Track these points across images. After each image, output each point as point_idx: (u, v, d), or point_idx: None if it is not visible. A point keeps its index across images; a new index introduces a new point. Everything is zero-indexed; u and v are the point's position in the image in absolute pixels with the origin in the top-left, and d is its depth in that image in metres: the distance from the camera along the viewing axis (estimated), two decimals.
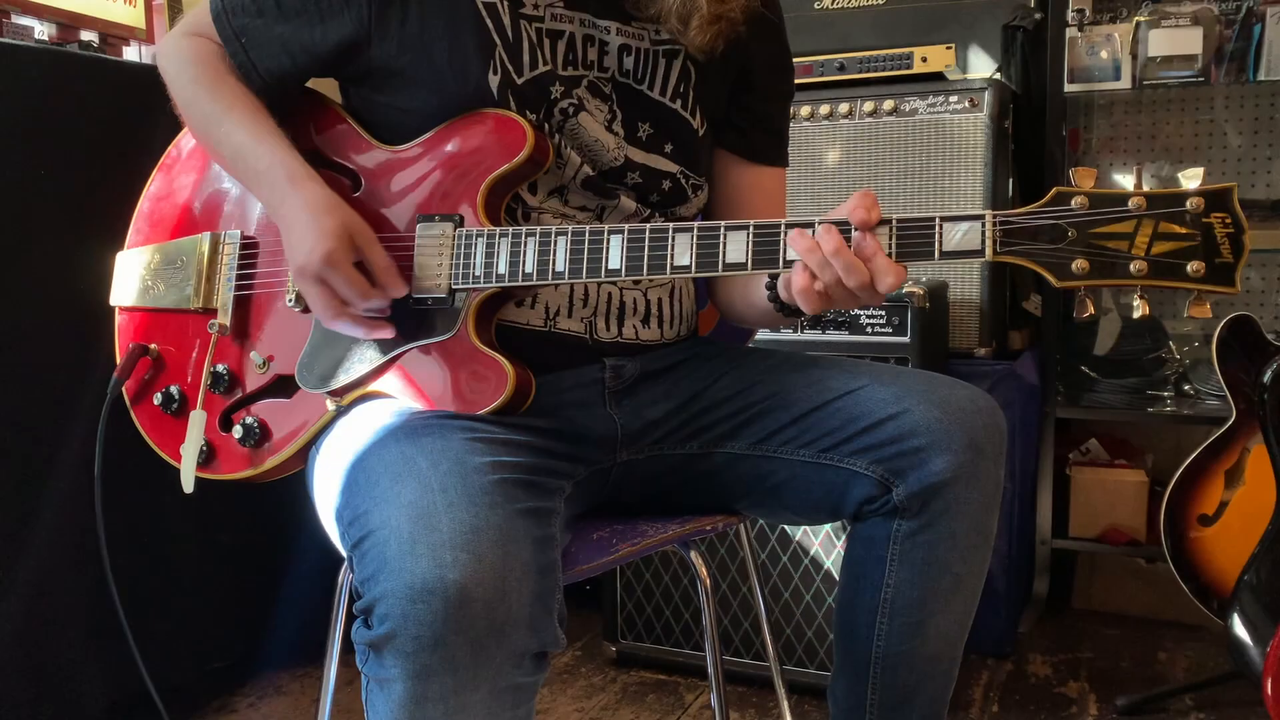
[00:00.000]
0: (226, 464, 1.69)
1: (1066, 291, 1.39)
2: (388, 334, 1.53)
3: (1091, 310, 1.36)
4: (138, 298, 1.81)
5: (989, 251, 1.33)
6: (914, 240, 1.36)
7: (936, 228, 1.35)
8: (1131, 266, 1.28)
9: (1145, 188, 1.30)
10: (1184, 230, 1.27)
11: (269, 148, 1.57)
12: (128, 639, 1.94)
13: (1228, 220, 1.27)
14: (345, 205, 1.54)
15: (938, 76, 2.94)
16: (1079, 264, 1.30)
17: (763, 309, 1.61)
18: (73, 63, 2.40)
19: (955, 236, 1.34)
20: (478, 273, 1.51)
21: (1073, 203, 1.31)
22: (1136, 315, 1.34)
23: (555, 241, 1.48)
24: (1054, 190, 1.32)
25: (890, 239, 1.36)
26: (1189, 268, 1.27)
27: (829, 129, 2.96)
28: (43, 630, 2.32)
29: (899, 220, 1.36)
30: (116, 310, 1.85)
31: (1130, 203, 1.29)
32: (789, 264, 1.41)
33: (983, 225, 1.33)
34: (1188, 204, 1.27)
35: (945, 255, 1.35)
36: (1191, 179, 1.29)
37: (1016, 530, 3.04)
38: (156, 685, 2.03)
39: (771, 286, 1.54)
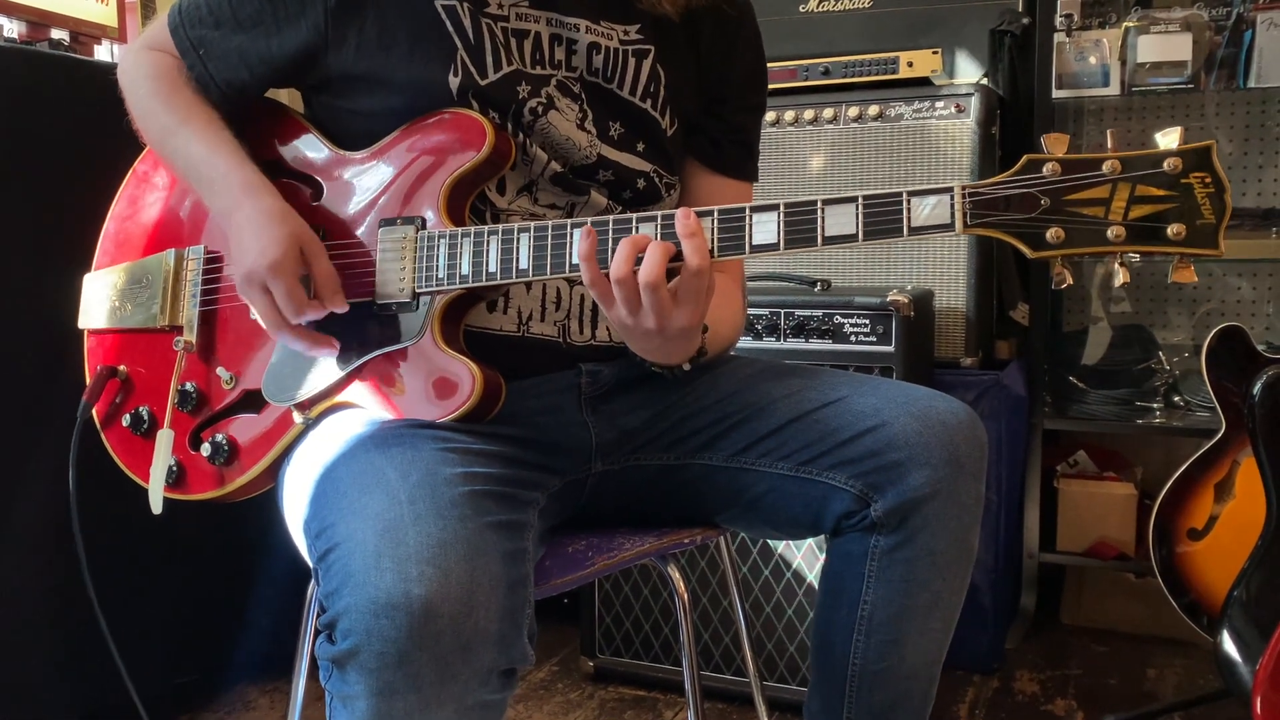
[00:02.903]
0: (196, 484, 1.69)
1: (1053, 293, 1.38)
2: (329, 351, 1.54)
3: (1069, 280, 1.34)
4: (105, 319, 1.81)
5: (959, 224, 1.31)
6: (882, 216, 1.34)
7: (904, 202, 1.33)
8: (1109, 232, 1.27)
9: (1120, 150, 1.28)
10: (1162, 192, 1.26)
11: (223, 157, 1.59)
12: (108, 652, 1.95)
13: (1208, 179, 1.25)
14: (297, 216, 1.55)
15: (924, 81, 2.96)
16: (1053, 233, 1.28)
17: None
18: (43, 62, 2.39)
19: (924, 211, 1.32)
20: (441, 275, 1.51)
21: (1044, 170, 1.29)
22: (1118, 283, 1.32)
23: (518, 239, 1.48)
24: (1025, 158, 1.30)
25: (857, 216, 1.35)
26: (1169, 230, 1.25)
27: (813, 134, 2.97)
28: (11, 649, 2.31)
29: (865, 197, 1.35)
30: (85, 334, 1.85)
31: (1104, 166, 1.27)
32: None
33: (951, 198, 1.31)
34: (1165, 165, 1.25)
35: (915, 231, 1.33)
36: (1168, 138, 1.27)
37: (1003, 544, 3.04)
38: (122, 699, 2.03)
39: None
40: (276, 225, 1.51)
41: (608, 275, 1.39)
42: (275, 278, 1.48)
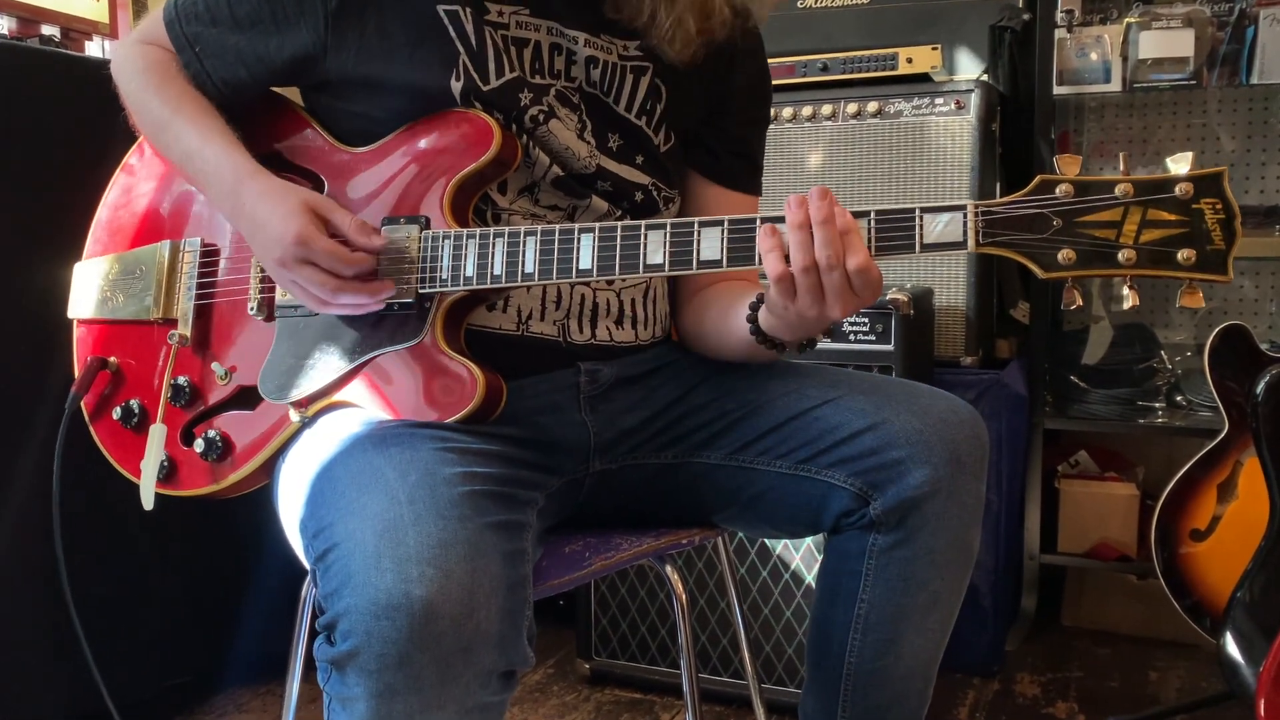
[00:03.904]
0: (188, 480, 1.69)
1: (1054, 289, 1.39)
2: (389, 291, 1.51)
3: (1079, 301, 1.35)
4: (96, 309, 1.81)
5: (971, 243, 1.33)
6: (894, 233, 1.36)
7: (916, 219, 1.35)
8: (1120, 255, 1.28)
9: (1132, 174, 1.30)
10: (1173, 217, 1.27)
11: (215, 148, 1.58)
12: (99, 652, 1.94)
13: (1218, 205, 1.27)
14: (295, 185, 1.55)
15: (923, 78, 2.96)
16: (1065, 254, 1.30)
17: (740, 339, 1.60)
18: (33, 58, 2.39)
19: (936, 228, 1.34)
20: (445, 276, 1.51)
21: (1057, 190, 1.31)
22: (1126, 305, 1.33)
23: (524, 242, 1.48)
24: (1038, 178, 1.32)
25: (869, 232, 1.36)
26: (1180, 255, 1.27)
27: (811, 131, 2.97)
28: (1, 646, 2.31)
29: (878, 212, 1.36)
30: (75, 323, 1.85)
31: (1117, 189, 1.29)
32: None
33: (964, 216, 1.33)
34: (1176, 189, 1.27)
35: (926, 248, 1.35)
36: (1180, 164, 1.28)
37: (1004, 545, 3.05)
38: (115, 701, 2.04)
39: (753, 318, 1.54)
40: (281, 201, 1.50)
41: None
42: (308, 246, 1.47)
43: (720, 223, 1.42)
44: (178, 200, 1.77)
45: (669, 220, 1.44)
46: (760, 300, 1.52)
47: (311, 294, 1.51)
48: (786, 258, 1.38)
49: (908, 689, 1.66)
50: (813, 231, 1.36)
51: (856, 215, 1.36)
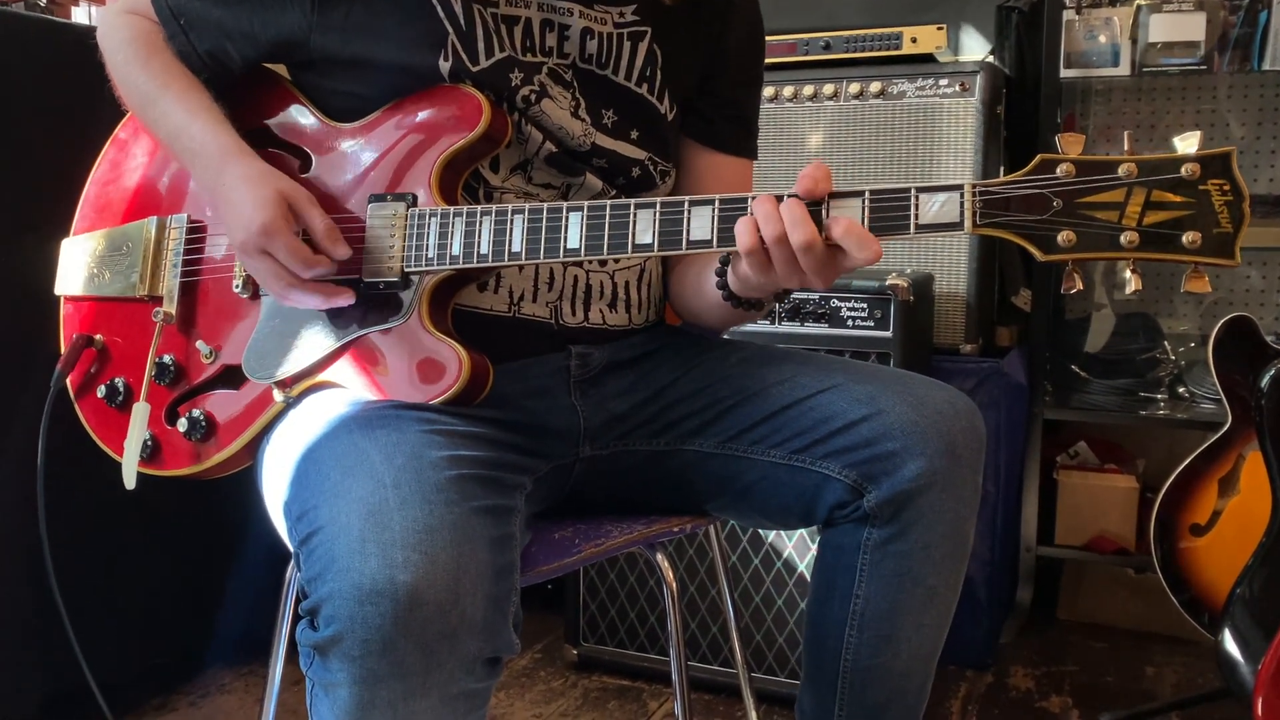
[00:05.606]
0: (171, 459, 1.70)
1: (1056, 275, 1.37)
2: (347, 300, 1.53)
3: (1079, 285, 1.33)
4: (83, 286, 1.81)
5: (968, 224, 1.31)
6: (889, 213, 1.34)
7: (912, 199, 1.33)
8: (1122, 238, 1.26)
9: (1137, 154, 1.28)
10: (1179, 199, 1.25)
11: (202, 125, 1.59)
12: (68, 634, 1.95)
13: (1226, 187, 1.25)
14: (280, 173, 1.55)
15: (928, 58, 2.95)
16: (1065, 236, 1.28)
17: (715, 303, 1.60)
18: (17, 24, 2.39)
19: (932, 208, 1.32)
20: (431, 254, 1.51)
21: (1058, 170, 1.29)
22: (1129, 290, 1.31)
23: (512, 220, 1.48)
24: (1039, 157, 1.30)
25: (863, 212, 1.35)
26: (1185, 239, 1.25)
27: (812, 110, 2.97)
28: None
29: (872, 192, 1.35)
30: (62, 300, 1.85)
31: (1120, 169, 1.27)
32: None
33: (961, 196, 1.31)
34: (1183, 170, 1.25)
35: (922, 228, 1.33)
36: (1187, 143, 1.26)
37: (1000, 536, 3.06)
38: (97, 681, 2.04)
39: (721, 274, 1.54)
40: (258, 187, 1.51)
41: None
42: (271, 238, 1.48)
43: (711, 201, 1.41)
44: (165, 176, 1.77)
45: (659, 199, 1.43)
46: (726, 262, 1.52)
47: (268, 282, 1.53)
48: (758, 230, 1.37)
49: (906, 685, 1.66)
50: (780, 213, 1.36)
51: (851, 194, 1.36)
